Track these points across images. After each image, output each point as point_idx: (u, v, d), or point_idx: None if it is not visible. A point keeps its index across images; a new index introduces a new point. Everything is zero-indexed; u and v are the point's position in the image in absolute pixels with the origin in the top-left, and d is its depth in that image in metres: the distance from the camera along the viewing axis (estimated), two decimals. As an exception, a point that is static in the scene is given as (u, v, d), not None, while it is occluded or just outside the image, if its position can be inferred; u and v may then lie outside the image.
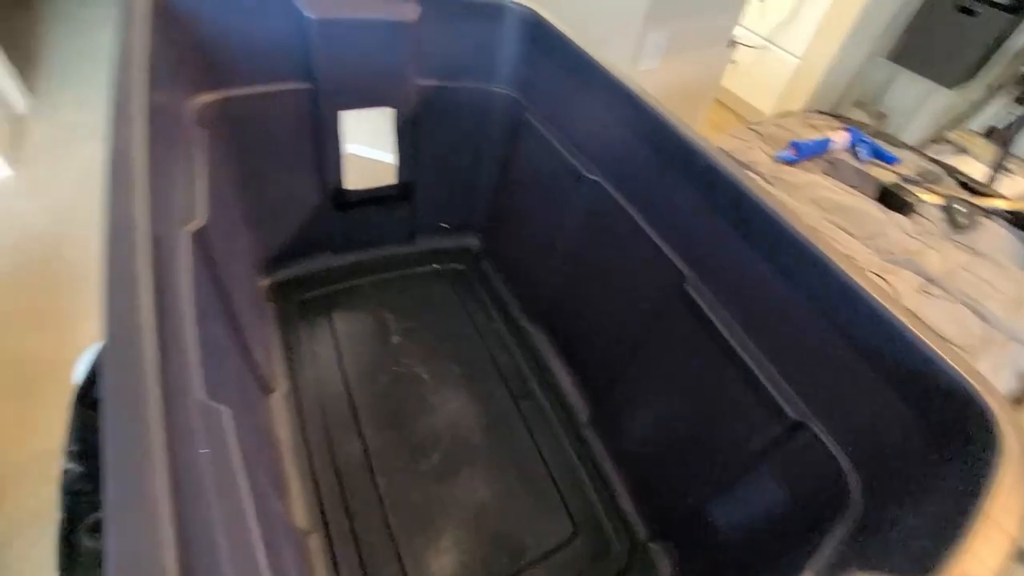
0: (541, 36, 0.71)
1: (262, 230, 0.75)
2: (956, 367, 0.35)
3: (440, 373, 0.76)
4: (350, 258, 0.87)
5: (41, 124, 1.48)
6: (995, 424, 0.33)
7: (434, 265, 0.91)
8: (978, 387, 0.34)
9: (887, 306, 0.39)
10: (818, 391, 0.45)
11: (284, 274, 0.81)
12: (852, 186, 1.22)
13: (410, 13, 0.67)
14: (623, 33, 1.48)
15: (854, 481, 0.41)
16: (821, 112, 1.45)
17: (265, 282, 0.80)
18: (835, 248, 0.43)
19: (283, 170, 0.73)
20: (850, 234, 1.09)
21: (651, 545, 0.64)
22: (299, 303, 0.80)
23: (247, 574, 0.29)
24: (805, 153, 1.23)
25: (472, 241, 0.94)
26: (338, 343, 0.76)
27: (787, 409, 0.46)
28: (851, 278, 0.41)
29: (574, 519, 0.65)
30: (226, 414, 0.35)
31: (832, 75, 1.91)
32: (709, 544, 0.57)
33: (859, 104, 1.99)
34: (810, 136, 1.31)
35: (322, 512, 0.60)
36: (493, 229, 0.91)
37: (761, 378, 0.48)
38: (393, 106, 0.74)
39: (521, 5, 0.71)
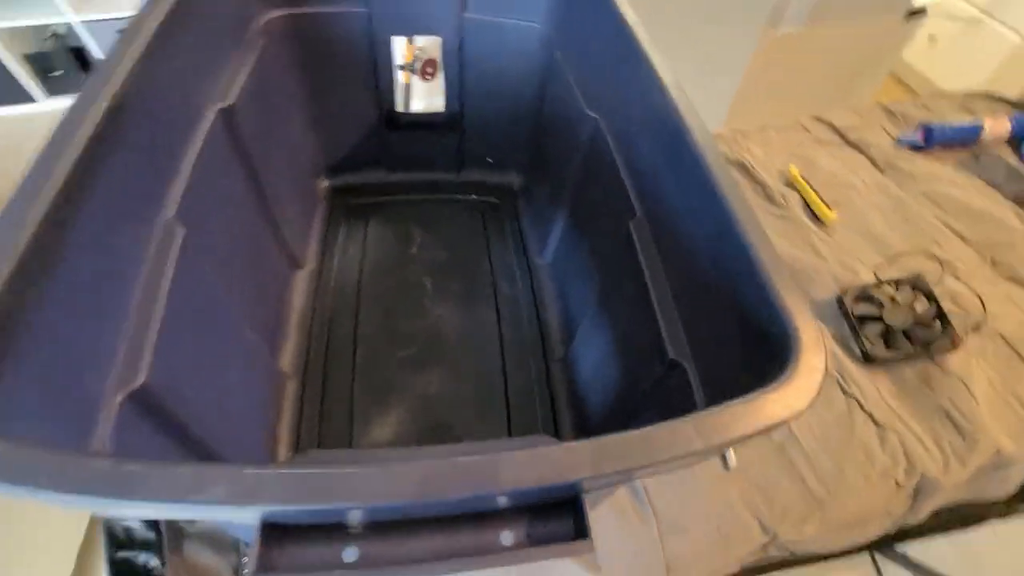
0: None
1: (324, 138, 0.89)
2: (797, 327, 0.33)
3: (442, 286, 0.83)
4: (400, 177, 0.97)
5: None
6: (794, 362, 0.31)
7: (473, 196, 0.98)
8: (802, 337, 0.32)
9: (772, 273, 0.35)
10: (700, 339, 0.44)
11: (340, 180, 0.95)
12: (994, 185, 1.00)
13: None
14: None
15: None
16: (993, 97, 1.18)
17: (324, 184, 0.94)
18: (756, 219, 0.39)
19: (343, 86, 0.84)
20: (963, 238, 0.91)
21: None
22: (346, 207, 0.93)
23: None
24: (938, 139, 1.03)
25: (514, 179, 0.99)
26: (366, 244, 0.88)
27: (669, 349, 0.45)
28: (751, 240, 0.37)
29: (512, 433, 0.70)
30: (180, 236, 0.47)
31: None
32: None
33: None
34: (961, 121, 1.08)
35: (305, 365, 0.73)
36: (532, 167, 0.95)
37: (659, 316, 0.48)
38: (440, 36, 0.81)
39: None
